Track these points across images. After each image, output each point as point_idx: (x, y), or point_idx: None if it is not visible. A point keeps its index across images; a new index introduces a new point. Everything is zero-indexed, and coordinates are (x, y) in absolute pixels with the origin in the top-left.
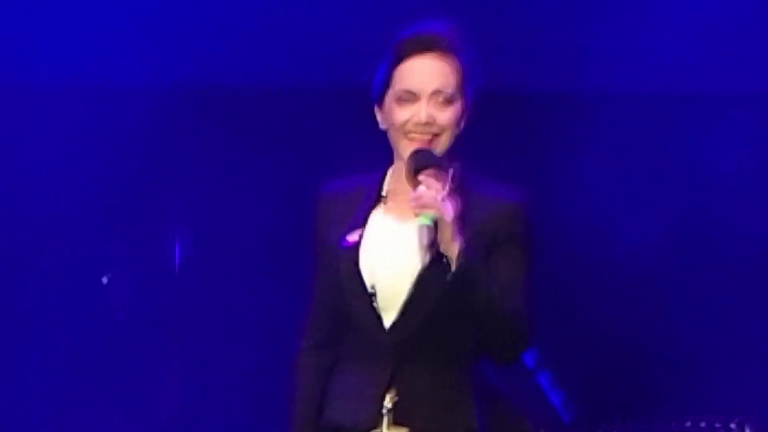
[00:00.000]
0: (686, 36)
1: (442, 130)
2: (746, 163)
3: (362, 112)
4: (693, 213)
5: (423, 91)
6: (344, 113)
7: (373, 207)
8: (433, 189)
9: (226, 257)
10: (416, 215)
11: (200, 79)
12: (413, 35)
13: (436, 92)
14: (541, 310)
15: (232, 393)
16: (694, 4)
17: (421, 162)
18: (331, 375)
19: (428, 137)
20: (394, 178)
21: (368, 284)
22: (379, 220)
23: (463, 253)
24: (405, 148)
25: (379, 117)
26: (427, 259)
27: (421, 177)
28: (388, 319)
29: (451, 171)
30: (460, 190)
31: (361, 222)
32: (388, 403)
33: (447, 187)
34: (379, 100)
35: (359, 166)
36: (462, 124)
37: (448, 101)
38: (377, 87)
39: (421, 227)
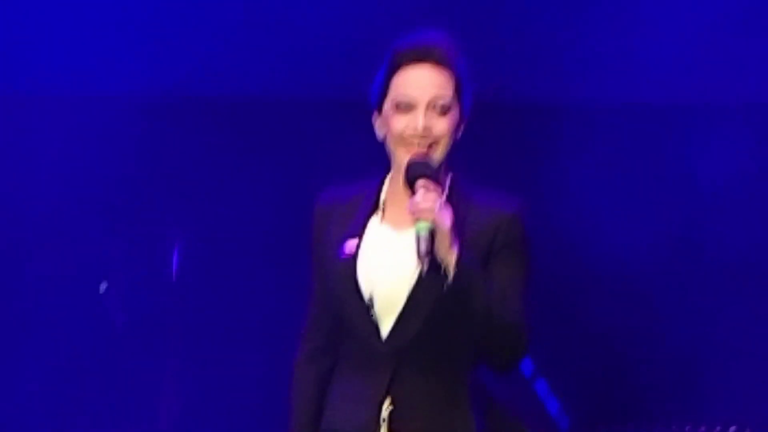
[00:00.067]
0: (681, 46)
1: (439, 139)
2: (741, 172)
3: (359, 120)
4: (688, 221)
5: (419, 100)
6: (341, 121)
7: (370, 215)
8: (429, 197)
9: (224, 261)
10: (413, 223)
11: (198, 87)
12: (410, 44)
13: (432, 102)
14: (539, 316)
15: (231, 396)
16: (689, 14)
17: (418, 171)
18: (329, 381)
19: (425, 146)
20: (391, 187)
21: (365, 292)
22: (376, 228)
23: (460, 261)
24: (402, 157)
25: (376, 125)
26: (425, 267)
27: (417, 185)
28: (386, 327)
29: (447, 180)
30: (456, 198)
31: (358, 230)
32: (385, 409)
33: (444, 196)
34: (377, 108)
35: (356, 173)
36: (458, 134)
37: (444, 111)
38: (375, 95)
39: (418, 235)
